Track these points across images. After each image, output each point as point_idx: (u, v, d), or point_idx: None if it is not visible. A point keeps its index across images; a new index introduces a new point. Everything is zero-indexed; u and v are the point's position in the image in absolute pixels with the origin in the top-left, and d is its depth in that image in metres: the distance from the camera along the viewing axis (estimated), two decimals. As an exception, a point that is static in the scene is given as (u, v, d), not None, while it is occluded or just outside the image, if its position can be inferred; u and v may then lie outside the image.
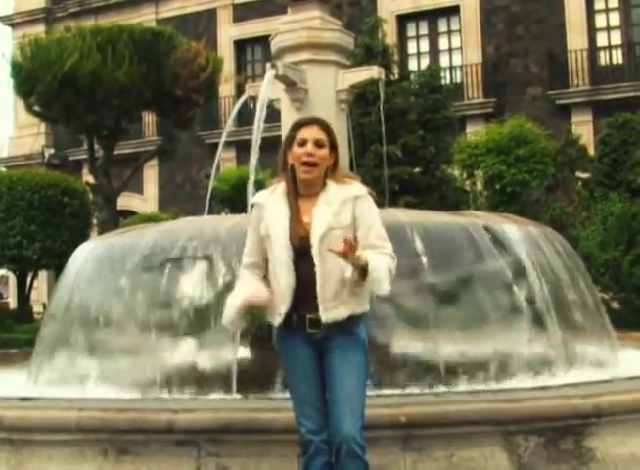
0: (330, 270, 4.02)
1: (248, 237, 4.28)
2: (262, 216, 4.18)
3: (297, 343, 4.12)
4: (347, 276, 3.98)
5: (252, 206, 4.31)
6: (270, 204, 4.17)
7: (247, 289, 4.14)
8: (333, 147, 4.20)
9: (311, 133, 4.15)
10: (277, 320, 4.12)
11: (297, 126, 4.22)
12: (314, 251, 4.03)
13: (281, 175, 4.27)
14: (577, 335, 7.30)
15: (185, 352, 6.76)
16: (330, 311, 4.03)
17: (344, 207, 4.09)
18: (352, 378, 4.06)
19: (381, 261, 4.00)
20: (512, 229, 7.24)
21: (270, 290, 4.15)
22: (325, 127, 4.21)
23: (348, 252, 3.86)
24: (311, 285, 4.04)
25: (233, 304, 4.15)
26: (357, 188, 4.17)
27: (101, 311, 7.08)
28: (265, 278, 4.22)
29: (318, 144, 4.13)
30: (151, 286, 6.90)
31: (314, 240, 4.04)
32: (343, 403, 4.00)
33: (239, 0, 30.73)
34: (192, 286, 6.66)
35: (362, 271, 3.96)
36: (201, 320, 6.53)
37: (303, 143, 4.13)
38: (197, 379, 6.36)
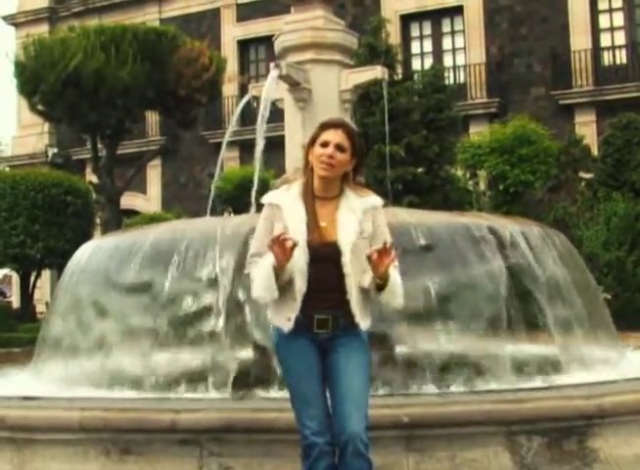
0: (357, 279, 4.07)
1: (258, 236, 4.21)
2: (278, 217, 4.15)
3: (301, 343, 4.11)
4: (364, 285, 4.07)
5: (263, 205, 4.28)
6: (286, 205, 4.16)
7: (269, 256, 4.01)
8: (355, 153, 4.20)
9: (335, 136, 4.15)
10: (287, 325, 4.09)
11: (324, 127, 4.22)
12: (345, 260, 4.05)
13: (303, 172, 4.27)
14: (580, 335, 7.29)
15: (185, 352, 6.76)
16: (365, 319, 4.14)
17: (366, 217, 4.14)
18: (357, 376, 4.07)
19: (399, 278, 4.11)
20: (515, 230, 7.24)
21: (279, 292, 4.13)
22: (350, 133, 4.21)
23: (385, 260, 3.95)
24: (321, 289, 4.05)
25: (264, 266, 4.02)
26: (375, 200, 4.23)
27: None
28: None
29: (340, 148, 4.14)
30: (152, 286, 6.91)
31: (345, 249, 4.06)
32: (349, 402, 4.00)
33: (242, 0, 30.74)
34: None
35: (378, 284, 4.05)
36: (205, 321, 6.54)
37: (325, 144, 4.13)
38: (197, 379, 6.36)
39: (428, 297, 6.54)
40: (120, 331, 7.01)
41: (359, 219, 4.11)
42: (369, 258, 3.97)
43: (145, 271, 6.86)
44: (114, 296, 7.12)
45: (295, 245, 3.95)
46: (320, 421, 4.06)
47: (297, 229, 4.08)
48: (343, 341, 4.10)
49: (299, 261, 4.05)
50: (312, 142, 4.21)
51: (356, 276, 4.06)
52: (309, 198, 4.17)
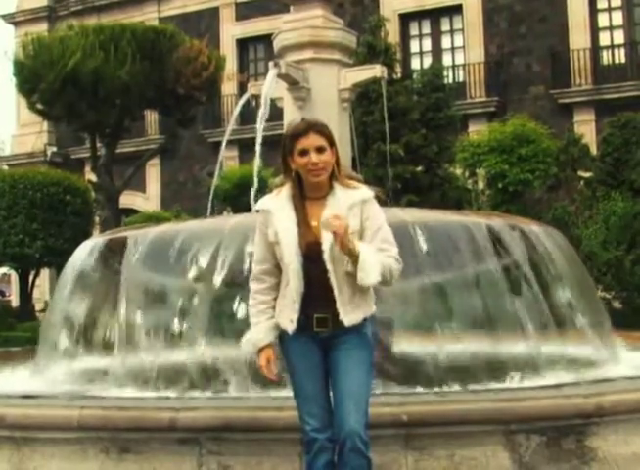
0: (343, 274, 4.04)
1: (257, 244, 4.25)
2: (270, 222, 4.15)
3: (303, 340, 4.12)
4: (349, 269, 4.01)
5: (258, 212, 4.30)
6: (276, 209, 4.16)
7: (258, 338, 4.17)
8: (331, 144, 4.18)
9: (310, 142, 4.11)
10: (290, 327, 4.10)
11: (294, 137, 4.15)
12: (326, 257, 4.03)
13: (285, 178, 4.26)
14: (577, 335, 7.30)
15: (191, 349, 6.76)
16: (350, 315, 4.06)
17: (352, 212, 4.09)
18: (357, 374, 4.06)
19: (372, 254, 4.00)
20: (511, 229, 7.24)
21: (280, 293, 4.17)
22: (321, 131, 4.16)
23: (341, 233, 3.88)
24: (319, 287, 4.05)
25: (247, 349, 4.24)
26: (364, 192, 4.18)
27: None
28: (278, 284, 4.20)
29: (319, 150, 4.11)
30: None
31: (325, 246, 4.03)
32: (348, 399, 4.01)
33: (241, -2, 30.76)
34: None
35: (355, 261, 3.98)
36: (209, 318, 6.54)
37: (304, 152, 4.10)
38: (201, 376, 6.36)
39: (426, 296, 6.55)
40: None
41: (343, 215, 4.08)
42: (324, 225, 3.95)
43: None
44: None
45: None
46: (320, 418, 4.08)
47: (287, 231, 4.08)
48: (345, 339, 4.09)
49: (294, 263, 4.06)
50: (289, 152, 4.16)
51: (341, 271, 4.03)
52: (299, 199, 4.16)
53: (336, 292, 4.03)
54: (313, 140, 4.11)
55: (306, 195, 4.18)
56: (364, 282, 4.00)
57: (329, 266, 4.03)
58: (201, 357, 6.55)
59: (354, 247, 3.95)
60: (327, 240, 4.02)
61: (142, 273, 7.06)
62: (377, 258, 4.01)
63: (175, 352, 6.84)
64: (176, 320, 6.86)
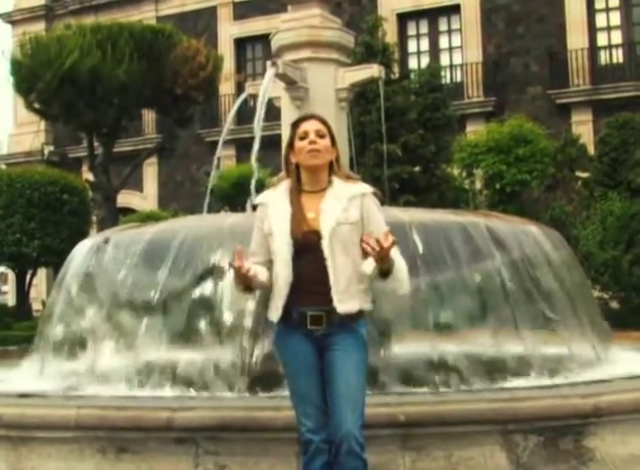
0: (340, 264, 4.04)
1: (253, 238, 4.28)
2: (265, 214, 4.20)
3: (298, 340, 4.12)
4: (366, 272, 4.00)
5: (256, 207, 4.33)
6: (272, 201, 4.20)
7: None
8: (332, 141, 4.23)
9: (311, 125, 4.20)
10: (275, 315, 4.12)
11: (297, 123, 4.27)
12: (324, 244, 4.04)
13: (286, 172, 4.29)
14: (573, 335, 7.29)
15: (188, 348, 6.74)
16: (344, 303, 4.04)
17: (352, 203, 4.13)
18: (353, 375, 4.05)
19: (403, 262, 4.07)
20: (509, 229, 7.24)
21: (271, 287, 4.16)
22: (323, 120, 4.27)
23: (384, 250, 3.87)
24: (312, 280, 4.05)
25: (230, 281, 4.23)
26: (363, 186, 4.22)
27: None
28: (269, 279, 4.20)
29: (319, 134, 4.18)
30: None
31: (325, 233, 4.05)
32: (345, 401, 4.00)
33: (239, -2, 30.76)
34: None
35: (382, 270, 3.98)
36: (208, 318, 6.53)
37: (305, 136, 4.17)
38: (198, 376, 6.34)
39: (422, 296, 6.53)
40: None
41: (343, 206, 4.10)
42: (362, 241, 3.93)
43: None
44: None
45: (242, 269, 4.00)
46: (316, 419, 4.07)
47: (281, 222, 4.10)
48: (340, 338, 4.08)
49: (281, 251, 4.07)
50: (291, 144, 4.24)
51: (339, 260, 4.04)
52: (295, 192, 4.19)
53: (332, 280, 4.02)
54: (314, 124, 4.21)
55: (305, 189, 4.20)
56: (398, 292, 4.10)
57: (327, 254, 4.03)
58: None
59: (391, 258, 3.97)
60: (326, 227, 4.05)
61: (134, 273, 7.04)
62: (405, 266, 4.08)
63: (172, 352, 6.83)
64: (173, 320, 6.83)
